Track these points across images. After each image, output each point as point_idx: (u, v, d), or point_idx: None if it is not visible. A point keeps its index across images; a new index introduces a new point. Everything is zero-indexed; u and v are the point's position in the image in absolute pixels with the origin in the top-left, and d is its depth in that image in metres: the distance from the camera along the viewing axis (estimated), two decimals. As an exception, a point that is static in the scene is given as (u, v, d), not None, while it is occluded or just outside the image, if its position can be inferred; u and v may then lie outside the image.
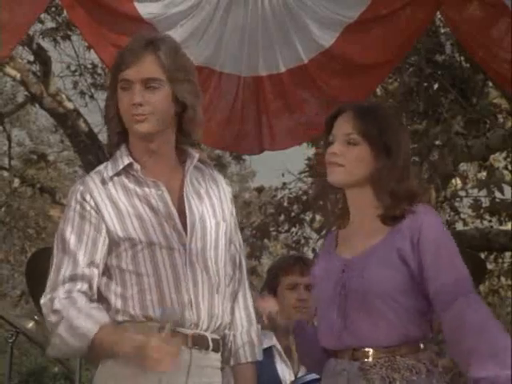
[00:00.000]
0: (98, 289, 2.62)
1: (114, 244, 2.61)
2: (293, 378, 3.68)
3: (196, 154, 2.71)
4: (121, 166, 2.65)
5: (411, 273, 2.58)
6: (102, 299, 2.62)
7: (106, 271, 2.62)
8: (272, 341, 3.76)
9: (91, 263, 2.60)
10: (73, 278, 2.59)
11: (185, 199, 2.66)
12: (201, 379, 2.62)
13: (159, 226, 2.61)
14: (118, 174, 2.65)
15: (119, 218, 2.62)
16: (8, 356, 3.86)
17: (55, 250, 2.65)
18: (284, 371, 3.74)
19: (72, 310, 2.55)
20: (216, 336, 2.67)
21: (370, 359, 2.57)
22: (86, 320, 2.54)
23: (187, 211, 2.64)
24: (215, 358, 2.67)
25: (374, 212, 2.65)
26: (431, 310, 2.62)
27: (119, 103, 2.64)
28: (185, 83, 2.65)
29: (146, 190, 2.64)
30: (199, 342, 2.61)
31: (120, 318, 2.59)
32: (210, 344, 2.64)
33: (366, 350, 2.58)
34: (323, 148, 2.73)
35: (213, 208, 2.70)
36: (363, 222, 2.67)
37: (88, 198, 2.62)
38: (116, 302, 2.59)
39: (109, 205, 2.62)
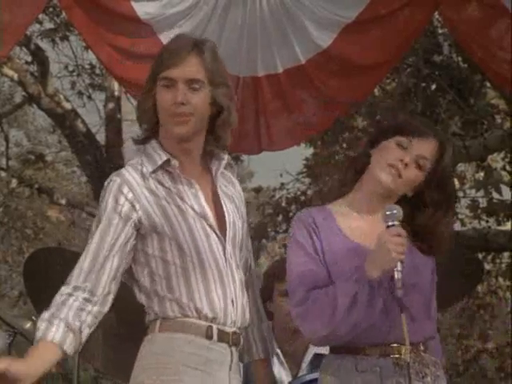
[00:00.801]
0: (142, 282, 2.65)
1: (156, 233, 2.63)
2: (290, 379, 3.68)
3: (225, 156, 2.78)
4: (159, 162, 2.68)
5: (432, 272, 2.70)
6: (147, 291, 2.64)
7: (147, 264, 2.64)
8: (275, 349, 3.76)
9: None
10: (76, 288, 2.60)
11: (221, 200, 2.73)
12: (236, 375, 2.70)
13: (200, 224, 2.67)
14: (155, 171, 2.68)
15: (165, 214, 2.64)
16: (6, 357, 3.86)
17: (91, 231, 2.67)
18: (281, 373, 3.74)
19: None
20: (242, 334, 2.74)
21: (402, 355, 2.59)
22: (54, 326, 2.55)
23: (225, 212, 2.71)
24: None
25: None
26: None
27: (159, 100, 2.68)
28: (223, 87, 2.72)
29: (180, 187, 2.69)
30: (236, 340, 2.68)
31: (171, 312, 2.62)
32: (241, 341, 2.71)
33: (396, 345, 2.60)
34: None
35: (237, 209, 2.78)
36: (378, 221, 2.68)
37: (126, 190, 2.64)
38: (164, 294, 2.62)
39: (149, 197, 2.65)
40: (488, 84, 7.43)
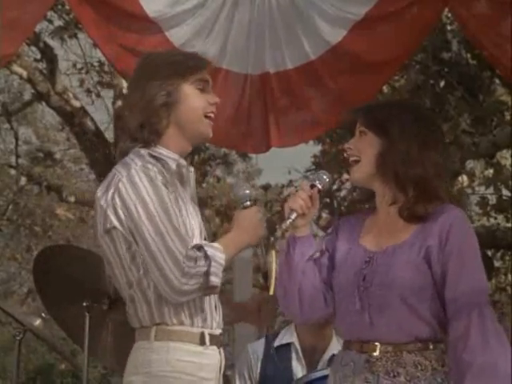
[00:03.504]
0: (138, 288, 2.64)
1: None
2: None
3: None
4: (173, 166, 2.69)
5: (433, 275, 2.62)
6: (146, 298, 2.63)
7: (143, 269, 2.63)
8: (292, 338, 3.78)
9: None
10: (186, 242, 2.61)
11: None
12: (221, 375, 2.73)
13: (200, 224, 2.72)
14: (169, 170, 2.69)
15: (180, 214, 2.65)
16: (16, 353, 3.86)
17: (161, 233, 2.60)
18: (298, 369, 3.76)
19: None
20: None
21: (377, 353, 2.61)
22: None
23: (201, 216, 2.77)
24: None
25: (395, 208, 2.68)
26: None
27: (196, 101, 2.71)
28: None
29: (188, 189, 2.75)
30: (223, 341, 2.73)
31: (168, 320, 2.63)
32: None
33: (375, 343, 2.62)
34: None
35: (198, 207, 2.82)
36: (387, 219, 2.70)
37: (160, 179, 2.62)
38: (160, 301, 2.61)
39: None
40: (497, 81, 7.42)
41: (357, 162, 2.71)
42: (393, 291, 2.60)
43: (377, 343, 2.61)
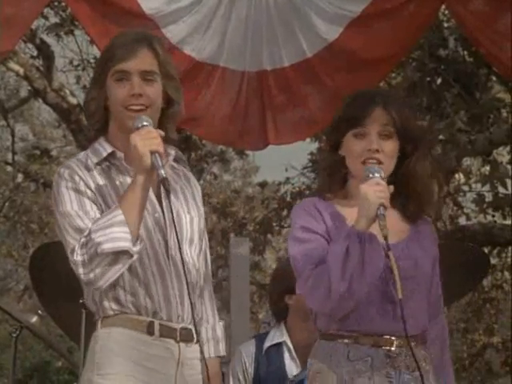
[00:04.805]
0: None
1: None
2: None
3: (172, 152, 2.72)
4: (104, 154, 2.65)
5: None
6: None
7: None
8: (283, 336, 3.77)
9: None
10: (81, 232, 2.55)
11: (162, 195, 2.66)
12: (188, 371, 2.65)
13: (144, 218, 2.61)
14: (100, 162, 2.65)
15: (106, 204, 2.60)
16: (12, 351, 3.86)
17: (63, 232, 2.58)
18: (292, 368, 3.75)
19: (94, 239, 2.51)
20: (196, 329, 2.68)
21: (394, 348, 2.60)
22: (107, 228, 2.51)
23: (164, 207, 2.64)
24: (197, 350, 2.68)
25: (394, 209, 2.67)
26: None
27: (113, 95, 2.63)
28: (174, 80, 2.69)
29: (128, 179, 2.64)
30: (186, 336, 2.63)
31: (110, 311, 2.59)
32: (194, 336, 2.65)
33: (388, 337, 2.60)
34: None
35: (187, 204, 2.72)
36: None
37: (77, 178, 2.61)
38: (105, 293, 2.57)
39: (95, 189, 2.61)
40: (494, 78, 7.42)
41: (379, 164, 2.61)
42: (420, 284, 2.62)
43: (390, 337, 2.59)
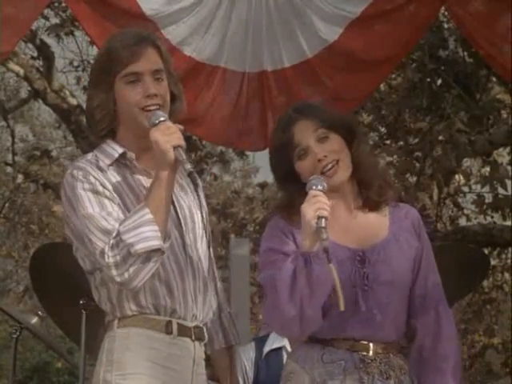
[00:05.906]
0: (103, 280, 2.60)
1: None
2: None
3: None
4: (116, 155, 2.64)
5: (413, 270, 2.66)
6: (105, 289, 2.60)
7: None
8: (283, 341, 3.76)
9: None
10: (108, 233, 2.53)
11: (177, 193, 2.66)
12: (200, 370, 2.65)
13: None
14: (112, 163, 2.64)
15: (124, 204, 2.59)
16: (12, 352, 3.86)
17: (88, 234, 2.54)
18: None
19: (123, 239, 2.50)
20: (206, 327, 2.69)
21: (371, 353, 2.60)
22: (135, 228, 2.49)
23: (176, 204, 2.65)
24: (203, 349, 2.69)
25: (355, 200, 2.68)
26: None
27: (126, 96, 2.61)
28: (173, 75, 2.69)
29: (140, 178, 2.64)
30: (199, 334, 2.64)
31: (129, 311, 2.58)
32: (206, 335, 2.67)
33: (366, 343, 2.61)
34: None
35: (194, 200, 2.72)
36: (355, 219, 2.67)
37: (92, 179, 2.59)
38: (125, 292, 2.56)
39: (111, 190, 2.59)
40: (494, 79, 7.42)
41: (337, 163, 2.63)
42: (396, 287, 2.61)
43: (367, 343, 2.60)
